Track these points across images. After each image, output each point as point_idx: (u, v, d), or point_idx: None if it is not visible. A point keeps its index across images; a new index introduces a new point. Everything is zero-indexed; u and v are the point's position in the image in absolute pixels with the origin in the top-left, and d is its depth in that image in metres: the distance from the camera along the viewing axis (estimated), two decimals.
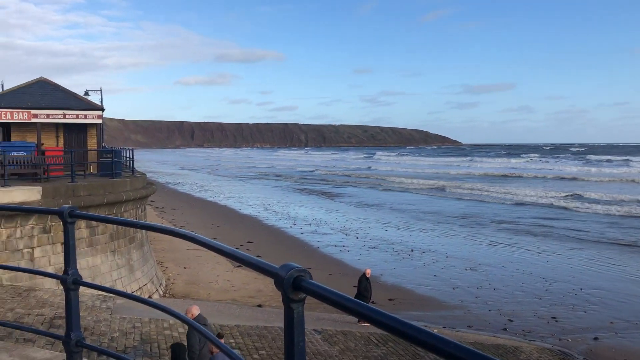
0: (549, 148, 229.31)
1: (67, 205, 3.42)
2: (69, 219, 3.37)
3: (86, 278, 17.73)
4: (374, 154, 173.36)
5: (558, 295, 20.10)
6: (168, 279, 22.35)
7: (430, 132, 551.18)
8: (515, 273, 23.18)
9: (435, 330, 16.09)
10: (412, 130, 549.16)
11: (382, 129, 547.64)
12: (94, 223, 17.81)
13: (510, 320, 17.61)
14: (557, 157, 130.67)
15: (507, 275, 22.91)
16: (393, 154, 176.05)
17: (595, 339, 16.06)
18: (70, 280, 3.42)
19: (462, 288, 21.08)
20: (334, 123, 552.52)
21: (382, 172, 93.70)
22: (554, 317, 17.80)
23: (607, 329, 16.77)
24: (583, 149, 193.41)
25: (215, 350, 8.39)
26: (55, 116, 25.74)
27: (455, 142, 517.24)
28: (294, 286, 1.76)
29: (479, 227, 35.06)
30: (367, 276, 17.07)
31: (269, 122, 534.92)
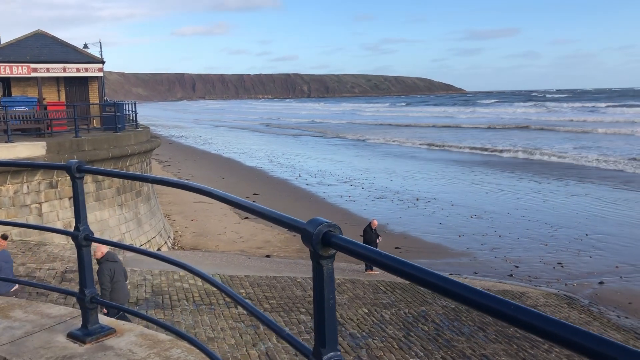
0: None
1: (75, 160, 3.31)
2: (77, 173, 3.27)
3: (95, 232, 17.85)
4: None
5: (564, 241, 20.20)
6: (176, 231, 22.53)
7: (434, 80, 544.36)
8: (520, 220, 23.24)
9: None
10: (416, 78, 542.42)
11: (385, 78, 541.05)
12: (100, 177, 17.79)
13: (516, 267, 17.76)
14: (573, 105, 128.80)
15: (512, 222, 22.98)
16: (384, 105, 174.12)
17: (601, 283, 16.22)
18: (82, 237, 3.35)
19: (468, 235, 21.19)
20: (336, 72, 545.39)
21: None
22: (560, 263, 17.93)
23: (612, 273, 16.91)
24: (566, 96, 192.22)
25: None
26: (56, 70, 25.35)
27: (460, 89, 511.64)
28: (323, 242, 1.67)
29: (482, 174, 34.98)
30: (373, 227, 17.08)
31: (270, 72, 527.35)
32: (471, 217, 23.90)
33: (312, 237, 1.66)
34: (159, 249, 19.93)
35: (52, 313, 3.80)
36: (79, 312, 3.54)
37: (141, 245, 19.59)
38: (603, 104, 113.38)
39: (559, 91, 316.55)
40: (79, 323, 3.49)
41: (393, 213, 24.91)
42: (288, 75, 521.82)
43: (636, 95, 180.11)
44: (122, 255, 14.00)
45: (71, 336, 3.37)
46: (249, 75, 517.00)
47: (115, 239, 18.42)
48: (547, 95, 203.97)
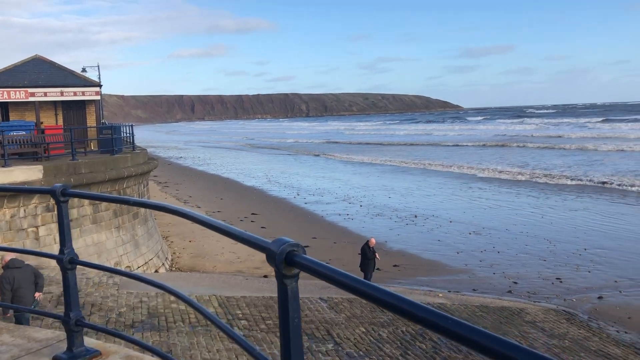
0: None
1: (60, 184, 3.35)
2: (61, 197, 3.31)
3: (92, 255, 17.85)
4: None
5: (562, 256, 20.16)
6: (174, 253, 22.49)
7: (432, 97, 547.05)
8: (519, 235, 23.22)
9: (440, 295, 16.22)
10: (413, 96, 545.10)
11: (383, 96, 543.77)
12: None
13: (515, 283, 17.70)
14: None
15: (510, 238, 22.96)
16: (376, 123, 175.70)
17: (600, 297, 16.16)
18: (67, 260, 3.37)
19: (467, 252, 21.15)
20: (334, 91, 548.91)
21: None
22: (559, 278, 17.88)
23: (611, 288, 16.86)
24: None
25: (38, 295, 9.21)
26: (53, 94, 25.54)
27: (457, 106, 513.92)
28: (286, 262, 1.69)
29: (480, 191, 35.02)
30: (371, 246, 17.03)
31: (268, 92, 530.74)
32: (470, 234, 23.88)
33: (276, 256, 1.69)
34: (156, 271, 19.89)
35: (38, 337, 3.81)
36: (65, 335, 3.56)
37: (138, 268, 19.55)
38: (593, 119, 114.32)
39: (554, 106, 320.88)
40: (64, 346, 3.50)
41: (391, 230, 24.90)
42: (286, 95, 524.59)
43: (626, 109, 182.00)
44: (120, 278, 13.97)
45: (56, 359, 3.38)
46: (247, 95, 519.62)
47: (112, 262, 18.40)
48: (539, 112, 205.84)
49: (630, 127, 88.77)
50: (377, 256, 17.04)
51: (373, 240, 17.45)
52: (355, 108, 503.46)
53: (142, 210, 20.56)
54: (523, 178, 39.68)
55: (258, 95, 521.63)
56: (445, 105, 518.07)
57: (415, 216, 27.72)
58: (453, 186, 37.44)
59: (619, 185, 34.50)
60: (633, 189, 33.04)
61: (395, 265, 19.66)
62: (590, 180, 36.74)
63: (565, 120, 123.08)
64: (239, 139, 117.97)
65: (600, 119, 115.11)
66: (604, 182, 35.56)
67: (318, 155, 66.62)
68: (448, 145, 73.86)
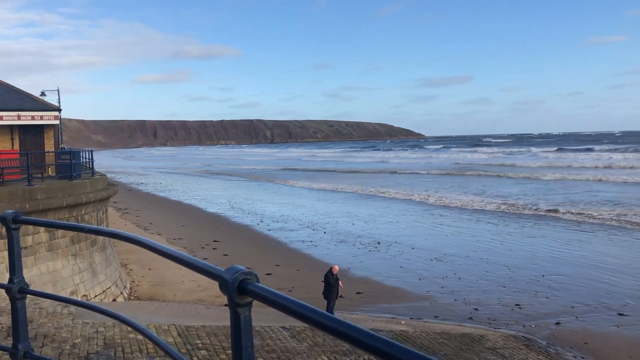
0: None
1: (11, 211, 3.26)
2: (12, 224, 3.22)
3: (47, 283, 17.27)
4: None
5: (521, 282, 20.52)
6: (133, 281, 21.95)
7: (395, 125, 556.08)
8: (479, 262, 23.57)
9: (402, 322, 16.25)
10: (377, 124, 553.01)
11: (347, 123, 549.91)
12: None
13: (476, 309, 17.89)
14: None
15: (471, 264, 23.28)
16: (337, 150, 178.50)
17: (557, 323, 16.46)
18: (16, 289, 3.26)
19: (429, 278, 21.32)
20: (298, 118, 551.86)
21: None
22: (518, 304, 18.16)
23: (568, 314, 17.20)
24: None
25: None
26: (9, 118, 24.92)
27: (419, 134, 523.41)
28: (239, 290, 1.69)
29: (441, 217, 35.53)
30: (335, 273, 16.99)
31: (233, 118, 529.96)
32: (431, 260, 24.11)
33: (229, 284, 1.68)
34: (114, 300, 19.33)
35: None
36: None
37: (95, 296, 18.97)
38: (547, 149, 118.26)
39: (511, 136, 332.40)
40: None
41: (355, 257, 24.93)
42: (251, 121, 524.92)
43: (579, 139, 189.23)
44: (75, 307, 13.50)
45: None
46: (211, 121, 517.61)
47: (68, 290, 17.81)
48: (496, 141, 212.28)
49: (583, 156, 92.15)
50: (340, 283, 17.00)
51: (336, 267, 17.41)
52: (319, 135, 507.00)
53: (101, 237, 20.06)
54: (482, 206, 40.45)
55: (222, 121, 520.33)
56: (407, 133, 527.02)
57: (379, 243, 27.86)
58: (415, 213, 37.87)
59: (572, 213, 35.50)
60: (585, 218, 34.03)
61: (358, 293, 19.64)
62: (541, 209, 37.70)
63: (520, 149, 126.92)
64: (196, 165, 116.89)
65: (554, 149, 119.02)
66: (555, 210, 36.53)
67: (273, 182, 66.72)
68: (407, 173, 74.87)
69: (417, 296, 19.37)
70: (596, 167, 71.30)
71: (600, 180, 53.36)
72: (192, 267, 1.88)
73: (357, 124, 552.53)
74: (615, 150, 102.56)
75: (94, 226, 3.18)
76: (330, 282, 16.68)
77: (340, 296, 17.47)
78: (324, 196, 50.32)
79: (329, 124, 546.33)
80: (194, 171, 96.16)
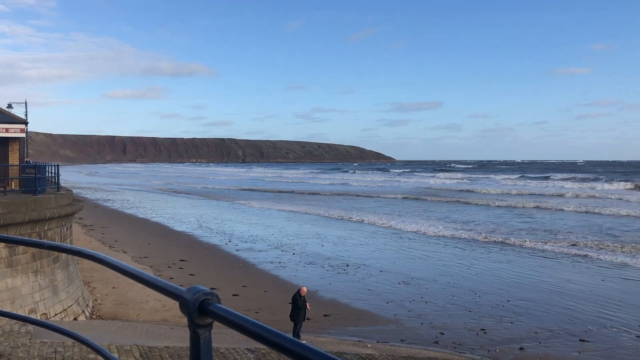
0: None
1: None
2: None
3: (5, 301, 16.71)
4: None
5: (487, 307, 20.72)
6: (95, 299, 21.42)
7: (366, 148, 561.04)
8: (446, 286, 23.74)
9: (369, 346, 16.20)
10: (348, 146, 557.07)
11: (319, 145, 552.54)
12: None
13: (442, 333, 17.96)
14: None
15: (438, 288, 23.43)
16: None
17: (521, 349, 16.63)
18: None
19: (396, 302, 21.36)
20: (271, 138, 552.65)
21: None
22: (483, 329, 18.31)
23: (532, 339, 17.41)
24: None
25: None
26: None
27: (390, 158, 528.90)
28: (200, 310, 1.68)
29: (409, 241, 35.77)
30: (302, 294, 16.91)
31: (204, 136, 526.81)
32: (399, 284, 24.19)
33: (189, 305, 1.67)
34: (75, 319, 18.81)
35: None
36: None
37: (56, 315, 18.44)
38: (511, 176, 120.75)
39: (477, 162, 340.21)
40: None
41: (323, 279, 24.85)
42: (223, 140, 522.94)
43: (543, 167, 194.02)
44: (33, 326, 13.10)
45: None
46: (182, 139, 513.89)
47: (27, 308, 17.27)
48: (461, 166, 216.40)
49: (544, 184, 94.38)
50: (308, 306, 16.90)
51: (304, 289, 17.33)
52: (291, 156, 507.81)
53: (64, 253, 19.58)
54: (440, 232, 40.87)
55: (194, 139, 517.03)
56: (379, 156, 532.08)
57: (347, 265, 27.85)
58: (384, 236, 38.04)
59: (532, 241, 36.16)
60: (548, 245, 34.69)
61: (325, 315, 19.54)
62: (501, 236, 38.32)
63: (483, 175, 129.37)
64: (156, 182, 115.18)
65: (517, 176, 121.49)
66: (512, 238, 37.17)
67: (233, 202, 66.40)
68: (372, 196, 75.14)
69: (384, 319, 19.37)
70: (557, 194, 72.91)
71: (562, 210, 54.52)
72: (152, 287, 1.86)
73: (329, 145, 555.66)
74: (574, 179, 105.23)
75: (55, 242, 3.11)
76: (298, 304, 16.57)
77: (308, 318, 17.36)
78: (294, 217, 50.21)
79: (301, 144, 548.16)
80: (153, 189, 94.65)
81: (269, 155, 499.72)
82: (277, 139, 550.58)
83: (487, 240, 36.20)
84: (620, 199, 64.75)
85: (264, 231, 40.00)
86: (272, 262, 28.37)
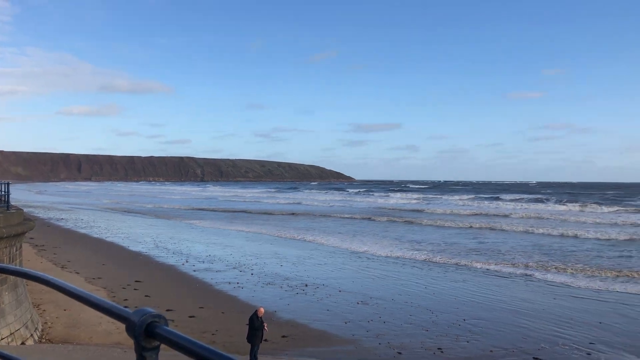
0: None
1: None
2: None
3: None
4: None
5: (443, 326, 20.97)
6: (45, 322, 20.66)
7: (326, 168, 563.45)
8: (404, 306, 23.93)
9: None
10: (308, 166, 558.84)
11: (279, 164, 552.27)
12: None
13: (400, 353, 18.05)
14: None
15: (396, 307, 23.59)
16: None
17: None
18: None
19: (354, 322, 21.39)
20: (230, 157, 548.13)
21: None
22: (440, 348, 18.50)
23: (487, 357, 17.69)
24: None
25: None
26: None
27: (350, 178, 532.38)
28: (147, 333, 1.67)
29: (368, 261, 35.97)
30: (260, 315, 16.75)
31: (162, 155, 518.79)
32: (358, 303, 24.25)
33: (135, 327, 1.67)
34: (23, 343, 18.08)
35: None
36: None
37: (2, 339, 17.68)
38: (463, 196, 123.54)
39: (432, 182, 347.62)
40: None
41: (282, 300, 24.69)
42: (181, 158, 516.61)
43: (497, 188, 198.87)
44: None
45: None
46: (139, 157, 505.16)
47: None
48: (416, 187, 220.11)
49: (494, 205, 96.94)
50: (265, 327, 16.75)
51: (262, 310, 17.17)
52: (251, 174, 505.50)
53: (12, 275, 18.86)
54: (393, 252, 41.32)
55: (151, 157, 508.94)
56: (338, 176, 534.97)
57: (306, 285, 27.77)
58: (343, 256, 38.14)
59: (486, 261, 36.93)
60: (500, 265, 35.47)
61: (283, 336, 19.39)
62: (457, 258, 39.02)
63: (438, 195, 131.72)
64: (106, 202, 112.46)
65: (470, 196, 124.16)
66: (458, 262, 37.90)
67: (183, 221, 65.69)
68: (331, 216, 75.27)
69: (343, 340, 19.34)
70: (510, 215, 74.68)
71: (524, 230, 55.87)
72: (99, 308, 1.85)
73: (289, 164, 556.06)
74: (521, 199, 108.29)
75: (1, 264, 2.99)
76: (255, 325, 16.40)
77: (265, 340, 17.19)
78: (252, 237, 49.82)
79: (261, 163, 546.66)
80: (104, 208, 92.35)
81: (229, 174, 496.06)
82: (237, 158, 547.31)
83: (443, 261, 36.74)
84: (565, 220, 66.79)
85: (222, 251, 39.54)
86: (230, 283, 28.04)
